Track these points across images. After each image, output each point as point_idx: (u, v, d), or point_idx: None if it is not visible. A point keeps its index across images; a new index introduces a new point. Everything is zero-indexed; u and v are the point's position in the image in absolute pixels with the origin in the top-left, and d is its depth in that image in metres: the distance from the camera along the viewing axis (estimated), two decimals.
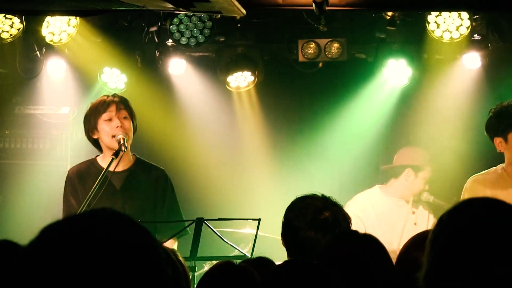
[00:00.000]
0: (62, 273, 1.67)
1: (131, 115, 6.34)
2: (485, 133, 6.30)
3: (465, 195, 6.28)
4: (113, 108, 6.26)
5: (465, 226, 2.31)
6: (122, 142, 6.15)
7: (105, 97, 6.35)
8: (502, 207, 2.36)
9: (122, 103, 6.30)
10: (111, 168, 6.09)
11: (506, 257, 2.16)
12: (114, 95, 6.36)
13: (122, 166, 6.26)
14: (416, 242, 3.49)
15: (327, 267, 3.00)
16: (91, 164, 6.42)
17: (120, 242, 1.72)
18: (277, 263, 3.87)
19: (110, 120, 6.25)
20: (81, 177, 6.35)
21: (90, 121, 6.31)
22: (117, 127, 6.22)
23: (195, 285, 3.90)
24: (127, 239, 1.74)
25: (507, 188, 6.20)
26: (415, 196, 7.42)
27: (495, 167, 6.40)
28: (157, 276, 1.73)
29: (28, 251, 1.74)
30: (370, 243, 3.64)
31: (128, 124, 6.29)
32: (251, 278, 3.49)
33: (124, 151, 6.14)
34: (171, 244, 6.16)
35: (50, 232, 1.76)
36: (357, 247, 3.59)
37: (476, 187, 6.29)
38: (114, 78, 7.75)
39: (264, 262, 3.93)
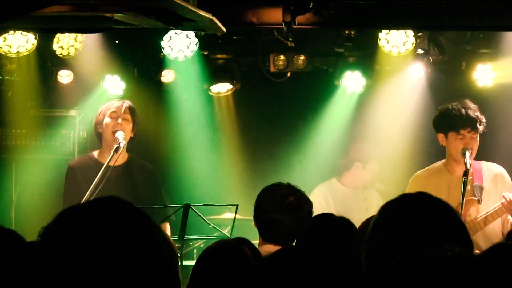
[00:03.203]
0: (79, 252, 1.68)
1: (133, 121, 6.39)
2: (433, 127, 6.40)
3: (408, 190, 6.32)
4: (120, 109, 6.33)
5: (390, 218, 2.31)
6: (119, 140, 6.20)
7: (117, 100, 6.43)
8: (425, 201, 2.35)
9: (129, 109, 6.38)
10: (110, 163, 6.13)
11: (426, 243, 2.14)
12: (125, 101, 6.43)
13: (117, 161, 6.29)
14: (365, 226, 3.57)
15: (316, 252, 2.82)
16: (90, 159, 6.48)
17: (127, 224, 1.75)
18: (252, 241, 3.93)
19: (114, 118, 6.32)
20: (82, 169, 6.41)
21: (100, 116, 6.38)
22: (117, 123, 6.27)
23: (182, 261, 3.95)
24: (133, 221, 1.76)
25: (446, 182, 6.25)
26: (367, 185, 7.50)
27: (436, 164, 6.46)
28: (155, 251, 1.75)
29: (47, 233, 1.74)
30: (346, 224, 3.67)
31: (127, 126, 6.34)
32: (244, 255, 3.51)
33: (121, 146, 6.18)
34: (165, 228, 6.20)
35: (66, 216, 1.77)
36: (335, 227, 3.60)
37: (418, 182, 6.34)
38: (114, 85, 7.76)
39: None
